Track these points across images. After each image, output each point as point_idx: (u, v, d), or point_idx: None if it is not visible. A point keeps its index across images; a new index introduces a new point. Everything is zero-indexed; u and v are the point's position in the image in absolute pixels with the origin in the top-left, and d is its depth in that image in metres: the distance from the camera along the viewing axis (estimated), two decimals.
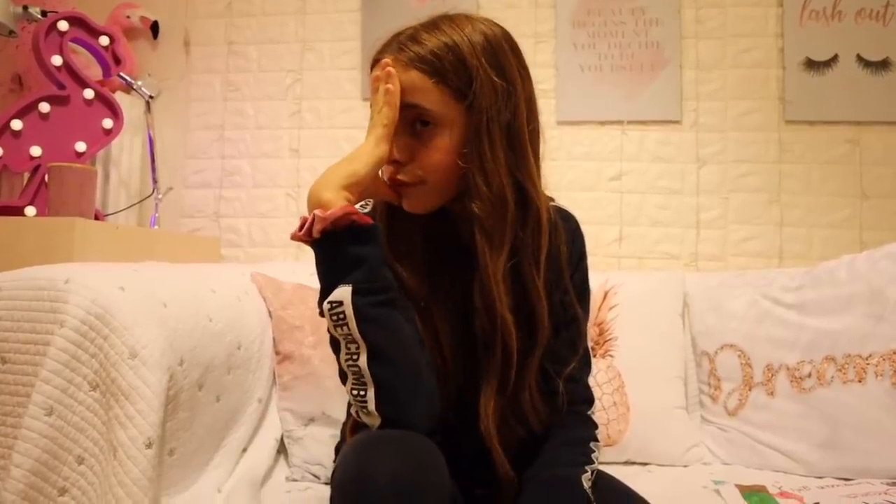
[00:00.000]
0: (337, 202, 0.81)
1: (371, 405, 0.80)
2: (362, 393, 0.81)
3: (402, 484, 0.69)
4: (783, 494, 1.19)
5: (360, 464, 0.72)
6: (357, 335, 0.80)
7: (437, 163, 0.87)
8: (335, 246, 0.81)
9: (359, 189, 0.84)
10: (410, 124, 0.87)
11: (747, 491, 1.20)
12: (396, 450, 0.74)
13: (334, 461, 1.24)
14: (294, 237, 0.83)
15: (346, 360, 0.82)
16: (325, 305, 0.81)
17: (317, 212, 0.80)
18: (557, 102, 1.98)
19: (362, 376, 0.81)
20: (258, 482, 1.18)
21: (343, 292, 0.80)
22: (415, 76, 0.86)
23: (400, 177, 0.88)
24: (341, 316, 0.80)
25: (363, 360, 0.80)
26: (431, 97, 0.86)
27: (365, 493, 0.69)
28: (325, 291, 0.82)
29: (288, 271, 1.55)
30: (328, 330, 0.83)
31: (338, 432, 1.23)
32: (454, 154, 0.87)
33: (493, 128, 0.87)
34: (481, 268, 0.88)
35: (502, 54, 0.91)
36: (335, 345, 0.83)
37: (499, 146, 0.87)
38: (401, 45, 0.87)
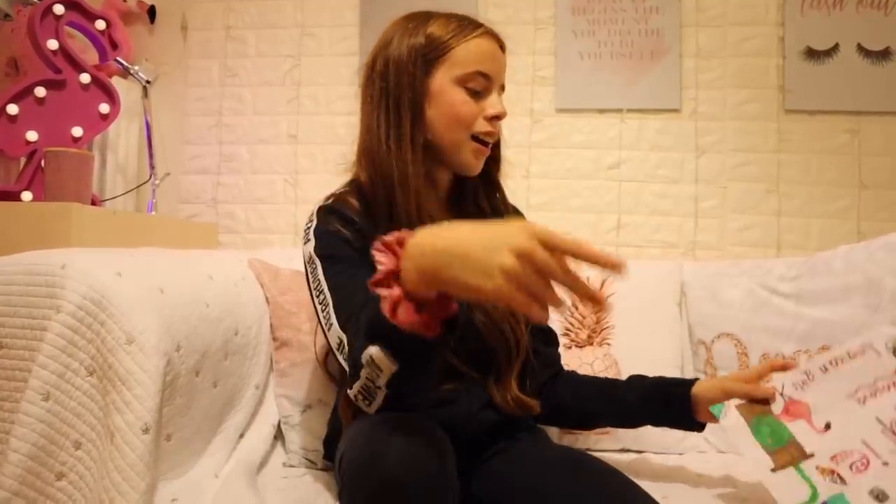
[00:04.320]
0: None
1: (374, 409, 0.80)
2: (368, 400, 0.80)
3: (414, 467, 0.70)
4: (788, 412, 1.04)
5: (372, 447, 0.73)
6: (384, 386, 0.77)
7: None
8: (413, 347, 0.73)
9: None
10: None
11: (751, 413, 1.05)
12: (408, 434, 0.75)
13: (323, 442, 1.25)
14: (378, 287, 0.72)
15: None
16: (364, 357, 0.75)
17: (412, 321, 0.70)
18: (556, 90, 1.98)
19: (375, 392, 0.78)
20: (255, 468, 1.18)
21: (387, 365, 0.73)
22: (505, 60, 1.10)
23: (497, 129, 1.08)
24: (376, 373, 0.75)
25: (382, 381, 0.76)
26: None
27: (378, 474, 0.70)
28: (365, 343, 0.75)
29: (285, 257, 1.55)
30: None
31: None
32: None
33: None
34: (497, 183, 1.17)
35: None
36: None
37: None
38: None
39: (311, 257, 0.99)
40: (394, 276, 0.71)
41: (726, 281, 1.56)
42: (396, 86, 1.03)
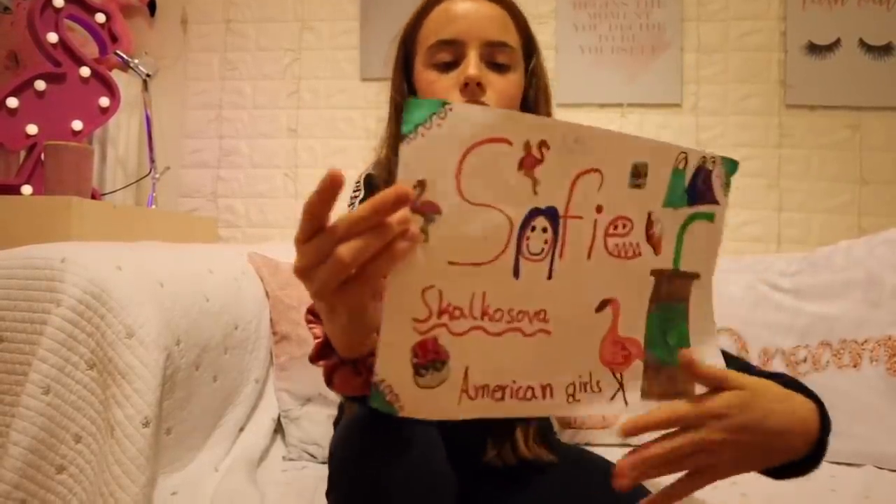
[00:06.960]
0: None
1: None
2: None
3: (403, 467, 0.69)
4: None
5: (360, 446, 0.72)
6: None
7: (514, 95, 0.91)
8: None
9: None
10: (486, 61, 0.89)
11: None
12: (397, 432, 0.73)
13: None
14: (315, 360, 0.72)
15: None
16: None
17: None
18: (557, 84, 1.97)
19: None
20: (255, 461, 1.18)
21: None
22: (503, 13, 0.90)
23: (485, 100, 0.87)
24: None
25: None
26: (512, 38, 0.90)
27: (364, 475, 0.69)
28: None
29: (285, 252, 1.55)
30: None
31: (335, 411, 1.23)
32: (520, 93, 0.92)
33: (543, 85, 0.96)
34: None
35: None
36: None
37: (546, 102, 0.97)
38: None
39: None
40: (327, 345, 0.69)
41: (726, 276, 1.55)
42: (392, 88, 0.98)
